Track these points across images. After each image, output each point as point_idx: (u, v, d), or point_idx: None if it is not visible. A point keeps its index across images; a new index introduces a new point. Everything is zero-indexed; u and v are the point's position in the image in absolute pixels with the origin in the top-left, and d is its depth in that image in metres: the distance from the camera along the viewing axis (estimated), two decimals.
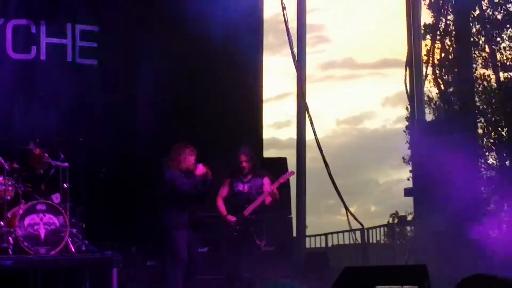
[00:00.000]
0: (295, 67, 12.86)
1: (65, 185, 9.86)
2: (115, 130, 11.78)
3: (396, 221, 13.62)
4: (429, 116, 12.73)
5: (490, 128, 15.31)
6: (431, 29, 15.84)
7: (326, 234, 15.75)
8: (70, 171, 9.94)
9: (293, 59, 12.85)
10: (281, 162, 11.74)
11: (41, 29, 11.65)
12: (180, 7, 11.89)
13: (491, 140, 15.26)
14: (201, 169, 9.41)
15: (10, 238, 9.31)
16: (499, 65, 16.25)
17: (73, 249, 9.61)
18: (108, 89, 11.78)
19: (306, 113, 12.71)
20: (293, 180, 12.32)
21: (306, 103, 12.78)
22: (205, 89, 12.09)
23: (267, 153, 12.78)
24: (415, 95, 11.79)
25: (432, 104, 16.34)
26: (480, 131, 13.21)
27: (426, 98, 13.02)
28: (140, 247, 10.38)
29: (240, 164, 9.50)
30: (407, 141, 13.91)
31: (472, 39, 13.24)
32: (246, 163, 9.52)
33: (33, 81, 11.68)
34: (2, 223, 9.44)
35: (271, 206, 10.01)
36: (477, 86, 15.40)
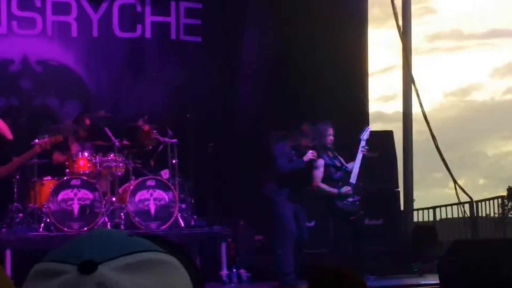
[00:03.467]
0: (401, 39, 12.79)
1: (173, 161, 10.11)
2: (220, 106, 11.95)
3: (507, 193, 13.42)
4: None
5: None
6: None
7: (434, 208, 15.62)
8: (179, 147, 10.16)
9: (399, 31, 12.76)
10: (387, 136, 11.73)
11: (146, 8, 11.91)
12: None
13: None
14: (309, 155, 9.57)
15: (122, 214, 9.66)
16: None
17: (182, 224, 9.88)
18: (213, 65, 11.95)
19: (412, 85, 12.63)
20: (399, 154, 12.29)
21: (412, 76, 12.68)
22: (310, 65, 12.11)
23: (373, 126, 12.73)
24: None
25: None
26: None
27: None
28: (248, 222, 10.58)
29: (328, 138, 9.62)
30: None
31: None
32: (333, 138, 9.65)
33: (139, 59, 11.95)
34: (113, 199, 9.79)
35: (377, 179, 10.09)
36: None
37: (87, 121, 10.14)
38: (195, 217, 10.16)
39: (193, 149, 10.46)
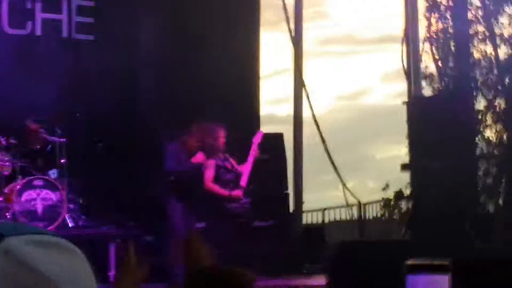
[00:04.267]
0: (292, 43, 12.95)
1: (62, 161, 10.00)
2: (113, 105, 11.77)
3: (390, 195, 13.74)
4: (428, 92, 12.80)
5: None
6: (430, 5, 15.89)
7: (323, 210, 15.84)
8: (68, 146, 10.06)
9: (290, 34, 12.93)
10: (277, 138, 11.84)
11: (36, 4, 11.72)
12: None
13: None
14: (198, 158, 9.58)
15: (8, 214, 9.47)
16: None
17: (70, 225, 9.76)
18: (106, 64, 11.85)
19: (303, 88, 12.82)
20: (290, 156, 12.40)
21: (303, 79, 12.87)
22: (203, 65, 12.14)
23: (265, 128, 12.82)
24: (411, 71, 11.90)
25: (430, 79, 16.39)
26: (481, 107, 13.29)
27: (426, 73, 13.07)
28: (138, 222, 10.51)
29: (219, 141, 9.67)
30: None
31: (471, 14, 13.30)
32: (224, 139, 9.71)
33: (29, 56, 11.74)
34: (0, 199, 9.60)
35: (267, 181, 10.18)
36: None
37: None
38: (84, 217, 10.05)
39: (84, 148, 10.35)
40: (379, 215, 14.79)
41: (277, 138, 11.80)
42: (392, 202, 13.58)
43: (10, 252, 1.05)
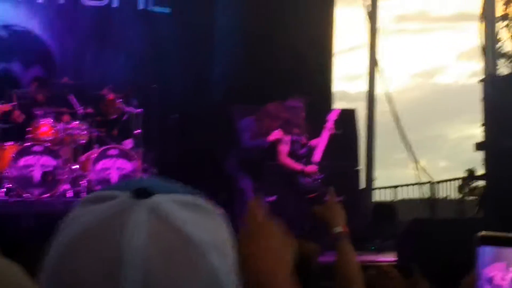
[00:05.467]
0: (367, 19, 12.90)
1: (137, 131, 10.14)
2: (188, 77, 11.92)
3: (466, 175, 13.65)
4: (505, 70, 12.67)
5: None
6: None
7: (394, 187, 15.82)
8: (143, 117, 10.18)
9: (365, 11, 12.89)
10: (350, 114, 11.78)
11: None
12: None
13: None
14: (274, 136, 9.61)
15: (83, 182, 9.66)
16: None
17: None
18: (182, 36, 11.96)
19: (377, 65, 12.77)
20: (362, 133, 12.39)
21: (377, 56, 12.83)
22: (276, 42, 12.18)
23: (337, 105, 12.80)
24: (488, 49, 11.76)
25: (507, 58, 16.22)
26: None
27: (502, 52, 12.94)
28: (211, 196, 10.63)
29: (299, 116, 9.67)
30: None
31: None
32: (304, 114, 9.70)
33: (105, 28, 11.91)
34: (76, 167, 9.79)
35: (339, 157, 10.18)
36: None
37: (49, 87, 10.12)
38: None
39: (157, 119, 10.46)
40: (451, 194, 14.73)
41: (350, 114, 11.74)
42: (465, 182, 13.51)
43: (157, 210, 1.05)
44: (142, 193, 1.07)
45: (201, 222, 1.07)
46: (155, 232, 1.04)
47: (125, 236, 1.03)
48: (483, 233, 1.55)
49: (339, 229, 2.99)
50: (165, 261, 1.02)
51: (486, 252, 1.55)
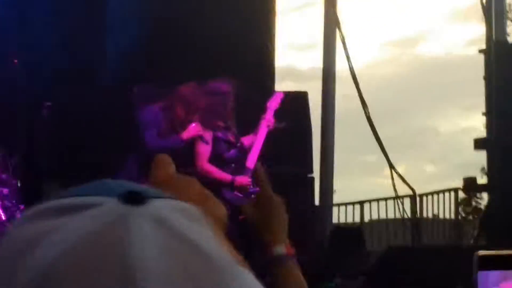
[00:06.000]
0: None
1: None
2: (67, 51, 11.80)
3: (458, 184, 13.83)
4: None
5: None
6: None
7: (361, 203, 15.86)
8: (1, 107, 10.19)
9: None
10: (300, 99, 11.90)
11: None
12: None
13: None
14: (191, 131, 9.61)
15: None
16: None
17: (2, 216, 9.77)
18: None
19: (337, 30, 12.86)
20: (316, 128, 12.53)
21: (337, 15, 12.92)
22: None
23: (282, 86, 12.91)
24: (492, 8, 11.98)
25: None
26: None
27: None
28: None
29: (228, 102, 9.74)
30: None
31: None
32: (232, 101, 9.77)
33: None
34: None
35: (284, 160, 10.24)
36: None
37: None
38: (22, 206, 10.15)
39: (22, 110, 10.45)
40: (440, 211, 14.87)
41: (299, 99, 11.86)
42: (460, 194, 13.68)
43: (163, 221, 1.09)
44: (135, 198, 1.09)
45: (208, 234, 1.12)
46: (168, 249, 1.07)
47: (133, 254, 1.05)
48: (482, 253, 1.65)
49: (280, 249, 2.73)
50: (188, 283, 1.05)
51: (489, 277, 1.65)
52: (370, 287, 8.40)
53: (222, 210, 1.61)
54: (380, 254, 9.01)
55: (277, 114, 9.86)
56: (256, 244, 2.76)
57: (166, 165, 1.68)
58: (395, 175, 12.68)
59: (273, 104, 9.82)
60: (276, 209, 2.79)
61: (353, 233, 12.32)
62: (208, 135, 9.60)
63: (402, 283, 8.04)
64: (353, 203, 16.00)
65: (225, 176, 9.53)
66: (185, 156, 9.50)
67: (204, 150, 9.64)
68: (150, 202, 1.09)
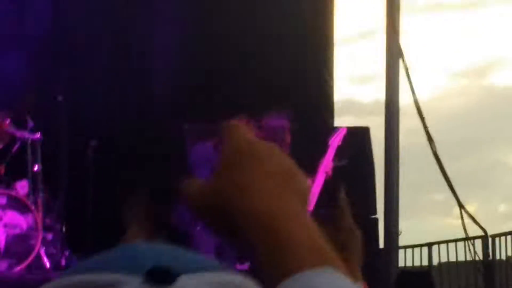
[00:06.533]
0: None
1: (36, 167, 9.96)
2: (110, 86, 11.95)
3: None
4: None
5: None
6: None
7: (429, 245, 15.71)
8: (44, 145, 10.01)
9: None
10: (361, 134, 11.82)
11: None
12: None
13: None
14: None
15: None
16: None
17: (47, 264, 9.75)
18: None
19: (401, 60, 12.62)
20: (379, 165, 12.32)
21: (400, 45, 12.68)
22: (247, 34, 12.30)
23: (341, 120, 12.77)
24: None
25: None
26: None
27: None
28: None
29: (285, 138, 9.48)
30: None
31: None
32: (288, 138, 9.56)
33: None
34: None
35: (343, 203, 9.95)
36: None
37: None
38: (67, 253, 10.05)
39: (66, 149, 10.37)
40: None
41: (361, 134, 11.82)
42: None
43: None
44: (162, 275, 1.05)
45: None
46: None
47: None
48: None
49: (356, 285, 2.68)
50: None
51: None
52: None
53: (306, 183, 1.51)
54: None
55: (338, 151, 9.78)
56: None
57: (243, 130, 1.61)
58: (465, 214, 12.41)
59: (334, 140, 9.78)
60: (356, 244, 2.90)
61: (422, 277, 12.16)
62: None
63: None
64: (420, 245, 15.84)
65: None
66: None
67: None
68: (180, 280, 1.06)
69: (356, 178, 11.30)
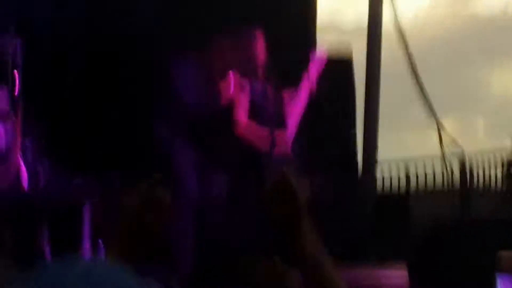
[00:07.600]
0: None
1: (14, 72, 9.72)
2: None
3: None
4: None
5: None
6: None
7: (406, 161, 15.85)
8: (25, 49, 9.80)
9: None
10: (342, 52, 11.61)
11: None
12: None
13: None
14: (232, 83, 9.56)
15: None
16: None
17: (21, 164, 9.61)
18: None
19: None
20: (360, 82, 12.51)
21: None
22: None
23: (323, 37, 12.79)
24: None
25: None
26: None
27: None
28: (127, 174, 10.51)
29: (260, 57, 9.52)
30: None
31: None
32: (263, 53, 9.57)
33: None
34: None
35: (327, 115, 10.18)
36: None
37: None
38: (47, 163, 9.94)
39: (47, 51, 10.43)
40: (492, 177, 14.71)
41: (341, 52, 11.59)
42: None
43: None
44: None
45: None
46: None
47: None
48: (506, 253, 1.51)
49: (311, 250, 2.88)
50: None
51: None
52: (414, 261, 8.28)
53: None
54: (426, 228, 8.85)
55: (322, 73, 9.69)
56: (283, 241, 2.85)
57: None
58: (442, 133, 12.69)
59: (315, 65, 9.65)
60: (303, 211, 2.76)
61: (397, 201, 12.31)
62: (246, 87, 9.50)
63: (449, 260, 7.91)
64: (396, 160, 16.02)
65: (264, 133, 9.27)
66: (228, 114, 9.48)
67: (244, 102, 9.52)
68: None
69: (338, 96, 11.50)
